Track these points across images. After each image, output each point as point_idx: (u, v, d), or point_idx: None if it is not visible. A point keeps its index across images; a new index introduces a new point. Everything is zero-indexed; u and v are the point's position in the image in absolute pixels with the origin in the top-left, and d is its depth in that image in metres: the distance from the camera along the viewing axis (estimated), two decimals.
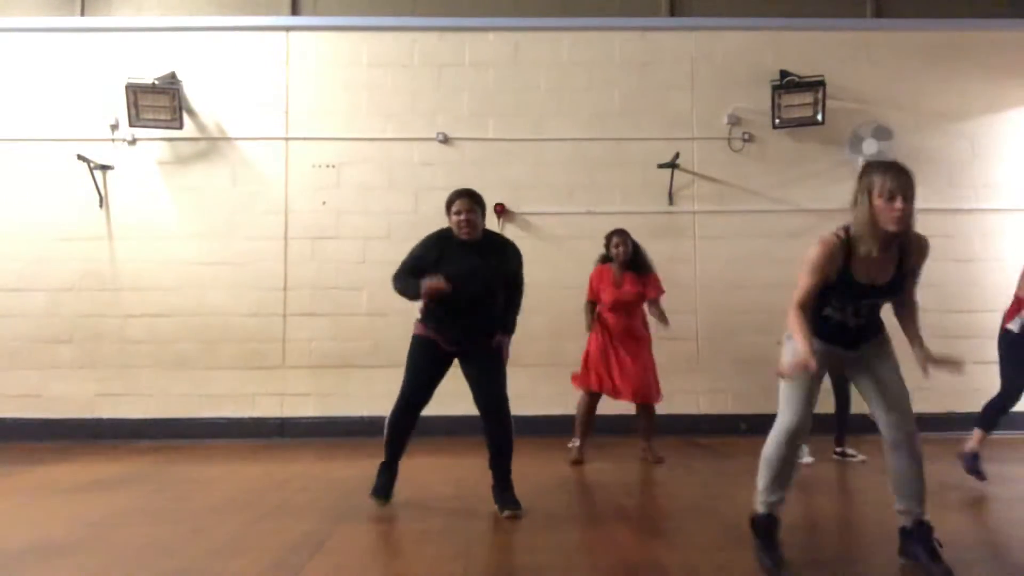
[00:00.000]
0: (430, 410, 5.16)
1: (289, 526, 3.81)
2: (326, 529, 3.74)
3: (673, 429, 6.97)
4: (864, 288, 2.98)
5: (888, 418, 3.04)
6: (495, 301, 4.23)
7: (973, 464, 4.82)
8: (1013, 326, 4.84)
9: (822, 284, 2.96)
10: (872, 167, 2.92)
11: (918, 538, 3.03)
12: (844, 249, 2.93)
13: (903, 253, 2.98)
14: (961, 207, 7.44)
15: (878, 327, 3.15)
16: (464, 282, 4.05)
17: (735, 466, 5.60)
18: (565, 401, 6.68)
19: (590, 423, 5.97)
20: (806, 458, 5.58)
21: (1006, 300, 5.30)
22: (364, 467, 5.54)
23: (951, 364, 2.95)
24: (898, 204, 2.80)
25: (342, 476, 5.25)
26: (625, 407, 6.49)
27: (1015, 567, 3.19)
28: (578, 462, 5.78)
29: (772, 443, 3.08)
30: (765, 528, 3.10)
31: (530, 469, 5.42)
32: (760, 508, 3.13)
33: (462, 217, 4.12)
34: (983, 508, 4.42)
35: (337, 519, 3.97)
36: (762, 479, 3.11)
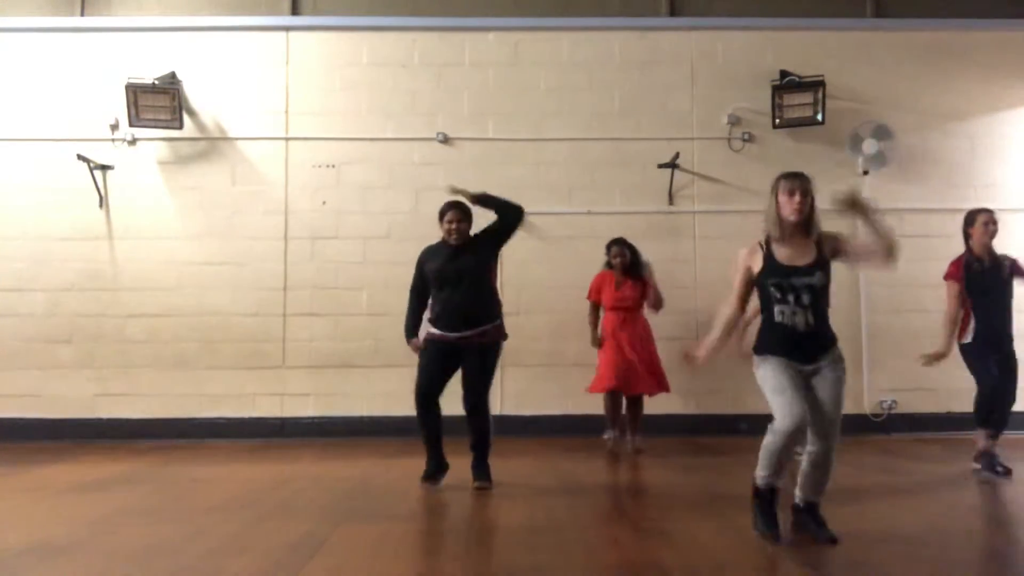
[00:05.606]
0: None
1: (289, 526, 3.80)
2: (326, 529, 3.73)
3: (673, 429, 6.97)
4: (787, 269, 3.43)
5: (812, 438, 3.41)
6: (477, 288, 4.80)
7: (990, 463, 5.03)
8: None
9: (749, 277, 3.49)
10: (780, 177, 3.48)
11: (809, 513, 3.51)
12: (763, 247, 3.51)
13: (819, 243, 3.46)
14: (961, 207, 7.38)
15: (829, 337, 3.47)
16: (445, 272, 4.77)
17: (735, 466, 5.59)
18: (565, 401, 6.69)
19: (620, 414, 6.41)
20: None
21: None
22: (364, 467, 5.58)
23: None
24: (796, 198, 3.38)
25: (342, 476, 5.25)
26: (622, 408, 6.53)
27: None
28: (615, 452, 6.22)
29: (769, 436, 3.40)
30: (767, 498, 3.45)
31: (530, 469, 5.43)
32: (759, 483, 3.46)
33: (453, 226, 4.81)
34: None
35: (337, 519, 3.97)
36: (762, 462, 3.45)
